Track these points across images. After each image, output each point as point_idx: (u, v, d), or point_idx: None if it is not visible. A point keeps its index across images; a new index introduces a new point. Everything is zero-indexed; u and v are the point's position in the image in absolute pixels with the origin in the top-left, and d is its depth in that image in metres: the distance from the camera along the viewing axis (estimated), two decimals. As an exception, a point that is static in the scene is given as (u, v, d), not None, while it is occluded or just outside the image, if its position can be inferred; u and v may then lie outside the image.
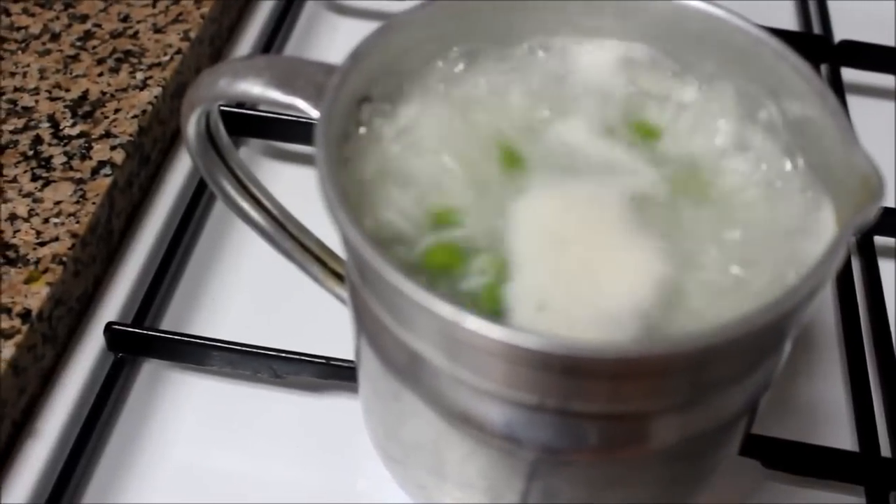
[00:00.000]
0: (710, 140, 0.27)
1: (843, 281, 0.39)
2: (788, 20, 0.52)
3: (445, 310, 0.20)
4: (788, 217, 0.24)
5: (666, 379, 0.21)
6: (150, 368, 0.36)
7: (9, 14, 0.44)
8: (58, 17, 0.44)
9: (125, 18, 0.44)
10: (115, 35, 0.43)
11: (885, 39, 0.49)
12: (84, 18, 0.44)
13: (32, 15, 0.44)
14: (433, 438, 0.25)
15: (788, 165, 0.26)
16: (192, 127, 0.28)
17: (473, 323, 0.20)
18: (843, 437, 0.35)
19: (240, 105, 0.42)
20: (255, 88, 0.26)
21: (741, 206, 0.25)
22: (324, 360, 0.34)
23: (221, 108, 0.31)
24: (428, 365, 0.23)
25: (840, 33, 0.50)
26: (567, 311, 0.22)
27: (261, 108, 0.42)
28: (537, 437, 0.23)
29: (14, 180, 0.37)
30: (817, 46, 0.49)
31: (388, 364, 0.25)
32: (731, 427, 0.25)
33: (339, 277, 0.33)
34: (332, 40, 0.49)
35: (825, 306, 0.39)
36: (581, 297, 0.22)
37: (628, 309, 0.22)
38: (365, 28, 0.53)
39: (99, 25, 0.44)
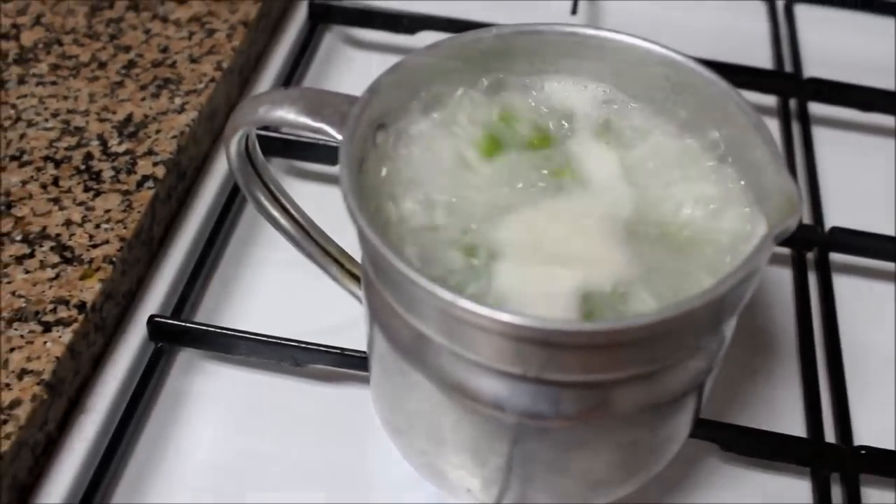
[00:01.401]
0: (665, 163, 0.31)
1: (801, 292, 0.43)
2: (764, 58, 0.57)
3: (445, 293, 0.25)
4: (731, 227, 0.29)
5: (622, 352, 0.26)
6: (185, 356, 0.40)
7: (61, 44, 0.49)
8: (104, 48, 0.49)
9: (164, 49, 0.49)
10: (155, 64, 0.48)
11: (854, 76, 0.53)
12: (128, 49, 0.49)
13: (82, 45, 0.49)
14: (433, 408, 0.29)
15: (732, 185, 0.30)
16: (233, 147, 0.33)
17: (467, 304, 0.25)
18: (795, 427, 0.39)
19: (264, 128, 0.46)
20: (289, 115, 0.30)
21: (690, 219, 0.30)
22: (339, 351, 0.38)
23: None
24: (430, 343, 0.27)
25: (811, 70, 0.54)
26: (544, 295, 0.27)
27: (283, 130, 0.46)
28: (519, 403, 0.27)
29: (69, 191, 0.42)
30: (787, 82, 0.53)
31: (396, 346, 0.29)
32: (681, 402, 0.29)
33: (354, 278, 0.37)
34: (349, 70, 0.53)
35: (785, 314, 0.43)
36: (554, 285, 0.27)
37: (581, 295, 0.27)
38: (377, 59, 0.58)
39: (141, 55, 0.49)
